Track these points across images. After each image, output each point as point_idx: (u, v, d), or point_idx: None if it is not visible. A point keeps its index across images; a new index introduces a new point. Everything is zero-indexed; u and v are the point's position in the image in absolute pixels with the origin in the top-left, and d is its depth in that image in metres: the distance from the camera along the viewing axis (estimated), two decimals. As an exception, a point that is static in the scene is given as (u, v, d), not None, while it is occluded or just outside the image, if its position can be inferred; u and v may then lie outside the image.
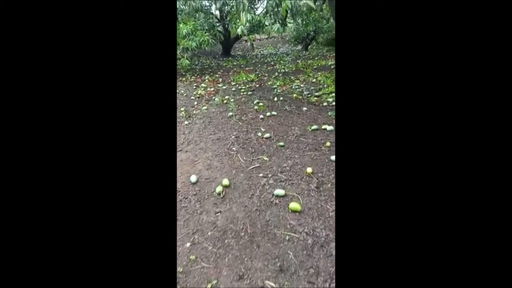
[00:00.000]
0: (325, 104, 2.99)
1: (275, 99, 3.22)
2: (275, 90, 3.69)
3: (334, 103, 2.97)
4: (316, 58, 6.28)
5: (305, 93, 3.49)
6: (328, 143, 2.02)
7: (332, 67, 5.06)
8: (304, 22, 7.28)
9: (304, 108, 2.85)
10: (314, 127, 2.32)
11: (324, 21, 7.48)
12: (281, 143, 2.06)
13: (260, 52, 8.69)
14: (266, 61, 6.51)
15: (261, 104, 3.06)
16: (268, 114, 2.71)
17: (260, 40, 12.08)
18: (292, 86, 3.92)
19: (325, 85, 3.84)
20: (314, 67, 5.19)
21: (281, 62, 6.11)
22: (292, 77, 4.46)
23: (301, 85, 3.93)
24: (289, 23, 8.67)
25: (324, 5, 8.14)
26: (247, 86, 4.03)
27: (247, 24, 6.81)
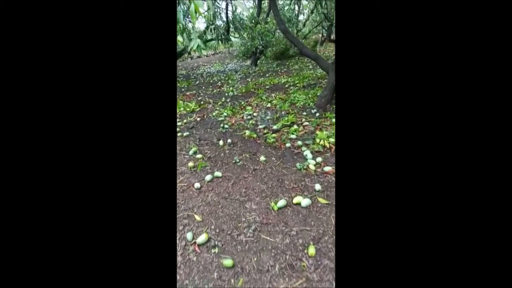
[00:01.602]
0: (288, 144, 2.15)
1: (221, 142, 2.27)
2: (222, 124, 2.75)
3: (299, 142, 2.15)
4: (267, 75, 5.57)
5: (260, 126, 2.62)
6: (312, 250, 1.11)
7: (286, 86, 4.36)
8: (249, 36, 6.60)
9: (262, 158, 1.95)
10: (281, 203, 1.42)
11: (270, 34, 6.93)
12: (229, 262, 1.08)
13: (206, 70, 7.71)
14: (212, 81, 5.55)
15: (199, 156, 2.07)
16: (208, 177, 1.72)
17: (206, 56, 11.13)
18: (243, 116, 3.02)
19: (283, 112, 3.05)
20: (267, 87, 4.42)
21: (230, 81, 5.22)
22: (242, 102, 3.58)
23: (254, 114, 3.06)
24: (234, 37, 7.91)
25: (269, 18, 7.65)
26: (185, 121, 3.00)
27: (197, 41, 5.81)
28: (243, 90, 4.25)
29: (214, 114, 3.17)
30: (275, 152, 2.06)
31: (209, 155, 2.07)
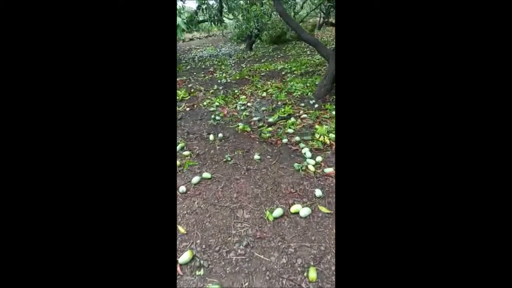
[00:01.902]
0: (285, 140, 1.96)
1: (211, 137, 2.05)
2: (213, 116, 2.52)
3: (297, 138, 1.96)
4: (263, 61, 5.25)
5: (254, 118, 2.41)
6: (312, 273, 0.94)
7: (283, 73, 4.08)
8: (244, 18, 6.17)
9: (256, 156, 1.75)
10: (277, 212, 1.24)
11: (266, 16, 6.49)
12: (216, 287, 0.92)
13: (198, 53, 7.28)
14: (204, 66, 5.20)
15: (186, 152, 1.86)
16: (195, 179, 1.52)
17: (199, 38, 10.54)
18: (236, 106, 2.79)
19: (279, 102, 2.82)
20: (262, 73, 4.14)
21: (223, 67, 4.90)
22: (236, 90, 3.32)
23: (248, 104, 2.83)
24: (228, 19, 7.43)
25: (265, -1, 7.15)
26: (173, 110, 2.76)
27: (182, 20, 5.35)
28: (237, 77, 3.97)
29: (205, 103, 2.92)
30: (270, 149, 1.87)
31: (197, 152, 1.87)
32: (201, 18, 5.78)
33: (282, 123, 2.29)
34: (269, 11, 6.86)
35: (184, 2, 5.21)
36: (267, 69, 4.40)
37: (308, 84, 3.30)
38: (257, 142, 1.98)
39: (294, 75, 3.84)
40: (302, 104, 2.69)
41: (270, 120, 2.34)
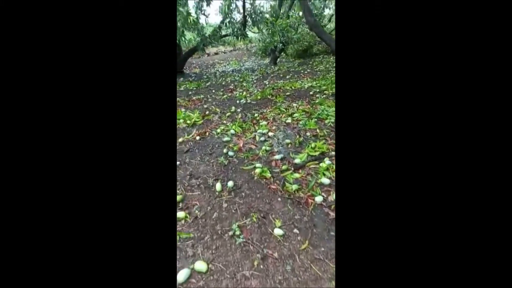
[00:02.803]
0: (318, 198, 1.37)
1: (218, 186, 1.52)
2: (226, 149, 2.02)
3: (334, 196, 1.38)
4: (287, 77, 4.74)
5: (276, 157, 1.85)
6: None
7: (311, 92, 3.51)
8: (269, 32, 5.77)
9: (278, 231, 1.15)
10: None
11: (293, 30, 6.04)
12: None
13: (221, 68, 7.00)
14: (225, 82, 4.82)
15: (182, 214, 1.34)
16: (183, 275, 0.96)
17: (224, 52, 10.42)
18: (254, 136, 2.27)
19: (308, 133, 2.24)
20: (287, 93, 3.60)
21: (244, 84, 4.46)
22: (255, 114, 2.81)
23: (270, 134, 2.29)
24: (253, 32, 7.10)
25: (291, 11, 6.73)
26: (180, 139, 2.31)
27: (199, 35, 5.10)
28: (258, 97, 3.47)
29: (218, 130, 2.44)
30: (298, 212, 1.30)
31: (196, 213, 1.35)
32: (223, 33, 5.49)
33: (313, 166, 1.71)
34: (295, 25, 6.41)
35: (207, 17, 4.96)
36: (293, 87, 3.86)
37: (342, 108, 2.70)
38: (280, 199, 1.41)
39: (324, 96, 3.25)
40: (338, 137, 2.09)
41: (297, 160, 1.77)
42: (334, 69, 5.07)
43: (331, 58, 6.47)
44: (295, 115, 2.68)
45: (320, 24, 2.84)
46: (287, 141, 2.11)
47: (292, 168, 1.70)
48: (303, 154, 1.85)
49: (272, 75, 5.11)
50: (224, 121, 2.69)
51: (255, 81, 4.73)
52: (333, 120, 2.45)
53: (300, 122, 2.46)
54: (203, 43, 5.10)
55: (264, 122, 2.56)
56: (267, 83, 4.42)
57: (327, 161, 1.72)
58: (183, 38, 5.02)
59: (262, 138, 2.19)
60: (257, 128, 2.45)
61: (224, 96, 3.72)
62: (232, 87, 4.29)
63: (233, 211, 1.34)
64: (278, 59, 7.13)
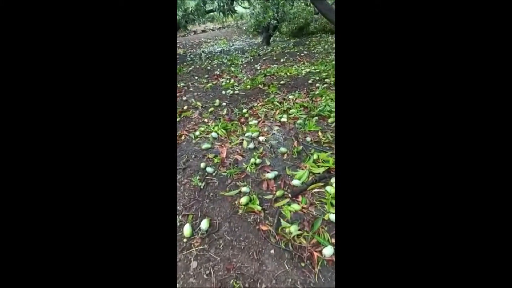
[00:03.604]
0: (328, 251, 0.96)
1: (186, 230, 1.06)
2: (203, 163, 1.55)
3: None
4: (282, 60, 4.14)
5: (268, 175, 1.41)
6: None
7: (309, 81, 2.99)
8: (262, 6, 5.03)
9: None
10: None
11: (288, 4, 5.29)
12: None
13: (208, 48, 6.25)
14: (210, 66, 4.19)
15: None
16: None
17: (212, 30, 9.45)
18: (242, 141, 1.80)
19: (308, 137, 1.79)
20: (281, 81, 3.07)
21: (232, 68, 3.87)
22: (244, 110, 2.30)
23: (261, 138, 1.83)
24: (244, 7, 6.28)
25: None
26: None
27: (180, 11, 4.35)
28: (248, 86, 2.93)
29: (197, 133, 1.95)
30: (301, 275, 0.89)
31: None
32: (208, 8, 4.72)
33: (316, 191, 1.29)
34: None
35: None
36: (288, 73, 3.32)
37: (348, 102, 2.23)
38: (273, 251, 0.99)
39: (325, 85, 2.74)
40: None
41: (296, 182, 1.34)
42: (333, 50, 4.45)
43: (330, 38, 5.82)
44: (291, 111, 2.20)
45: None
46: (283, 149, 1.66)
47: (290, 195, 1.27)
48: (303, 171, 1.42)
49: (264, 58, 4.49)
50: (206, 119, 2.19)
51: (245, 65, 4.12)
52: (337, 118, 2.00)
53: (298, 122, 2.00)
54: (185, 20, 4.37)
55: (254, 121, 2.08)
56: (258, 67, 3.84)
57: (334, 182, 1.30)
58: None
59: (251, 145, 1.73)
60: (245, 129, 1.98)
61: (208, 84, 3.15)
62: (218, 73, 3.69)
63: (204, 276, 0.92)
64: (272, 38, 6.41)
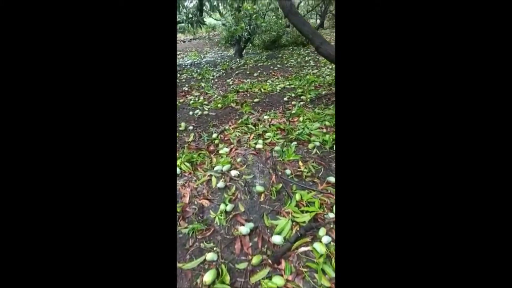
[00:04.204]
0: None
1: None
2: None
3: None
4: (255, 75, 3.91)
5: (243, 230, 1.09)
6: None
7: (285, 98, 2.77)
8: (234, 18, 4.83)
9: None
10: None
11: (260, 17, 5.17)
12: None
13: (178, 61, 5.86)
14: (179, 80, 3.82)
15: None
16: None
17: (183, 41, 9.07)
18: (210, 177, 1.47)
19: (287, 171, 1.50)
20: (255, 98, 2.81)
21: (202, 84, 3.54)
22: (214, 135, 1.99)
23: (232, 173, 1.52)
24: (215, 19, 6.05)
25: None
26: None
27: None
28: (219, 105, 2.62)
29: (155, 168, 1.61)
30: None
31: None
32: (177, 19, 4.39)
33: (303, 250, 1.01)
34: (262, 10, 5.55)
35: None
36: (262, 89, 3.08)
37: (326, 123, 2.03)
38: None
39: (301, 103, 2.55)
40: (331, 178, 1.41)
41: (277, 239, 1.04)
42: (309, 65, 4.35)
43: (302, 50, 5.80)
44: (267, 134, 1.94)
45: (297, 11, 2.08)
46: (259, 188, 1.36)
47: (270, 260, 0.98)
48: (285, 221, 1.13)
49: (237, 72, 4.24)
50: (167, 149, 1.84)
51: (216, 79, 3.82)
52: (317, 141, 1.78)
53: (276, 148, 1.74)
54: (149, 31, 3.98)
55: (226, 149, 1.77)
56: (231, 82, 3.56)
57: (324, 238, 1.03)
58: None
59: (221, 184, 1.41)
60: (214, 160, 1.66)
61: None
62: (186, 89, 3.34)
63: None
64: (244, 51, 6.23)
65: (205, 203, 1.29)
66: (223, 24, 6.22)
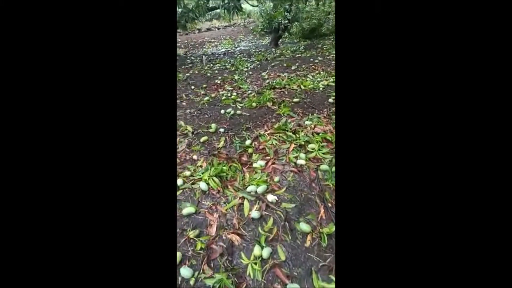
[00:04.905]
0: None
1: None
2: (178, 256, 0.98)
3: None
4: (293, 68, 3.49)
5: None
6: None
7: (330, 99, 2.31)
8: (274, 4, 4.36)
9: None
10: None
11: (302, 2, 4.61)
12: None
13: (211, 49, 5.61)
14: (211, 72, 3.56)
15: None
16: None
17: (218, 28, 8.78)
18: (241, 206, 1.20)
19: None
20: (295, 97, 2.43)
21: (236, 77, 3.23)
22: (247, 141, 1.69)
23: (270, 198, 1.20)
24: (252, 5, 5.61)
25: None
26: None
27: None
28: (253, 104, 2.31)
29: (179, 182, 1.34)
30: None
31: None
32: (211, 4, 4.08)
33: None
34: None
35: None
36: (302, 86, 2.68)
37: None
38: None
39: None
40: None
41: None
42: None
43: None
44: (310, 146, 1.59)
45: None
46: (304, 227, 1.04)
47: None
48: None
49: (273, 64, 3.84)
50: (195, 156, 1.60)
51: (250, 71, 3.48)
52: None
53: (322, 167, 1.38)
54: (185, 19, 3.75)
55: (261, 162, 1.47)
56: (266, 76, 3.20)
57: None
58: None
59: (256, 214, 1.12)
60: (247, 176, 1.37)
61: (206, 98, 2.53)
62: (219, 82, 3.07)
63: None
64: (280, 40, 5.74)
65: (236, 239, 1.02)
66: (261, 11, 5.76)
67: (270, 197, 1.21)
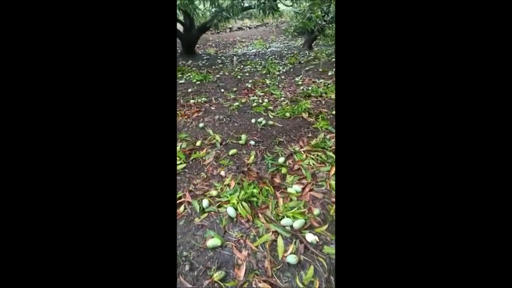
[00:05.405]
0: None
1: None
2: None
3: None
4: (330, 74, 3.18)
5: None
6: None
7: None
8: (310, 5, 4.08)
9: None
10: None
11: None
12: None
13: (242, 49, 5.48)
14: (241, 74, 3.41)
15: None
16: None
17: (249, 28, 8.65)
18: (275, 244, 0.99)
19: None
20: (333, 109, 2.19)
21: (267, 81, 3.04)
22: (280, 158, 1.49)
23: (310, 238, 0.97)
24: (286, 5, 5.37)
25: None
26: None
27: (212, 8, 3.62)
28: (286, 114, 2.11)
29: (205, 204, 1.20)
30: None
31: None
32: (246, 4, 3.92)
33: None
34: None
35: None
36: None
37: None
38: None
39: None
40: None
41: None
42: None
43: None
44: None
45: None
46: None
47: None
48: None
49: (307, 68, 3.58)
50: (222, 172, 1.44)
51: (283, 76, 3.27)
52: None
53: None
54: (218, 18, 3.64)
55: (296, 187, 1.26)
56: (300, 81, 2.97)
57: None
58: (194, 10, 3.59)
59: (293, 259, 0.92)
60: (281, 203, 1.18)
61: (236, 103, 2.38)
62: (249, 86, 2.91)
63: None
64: (314, 42, 5.42)
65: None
66: (296, 11, 5.49)
67: (310, 237, 1.00)
